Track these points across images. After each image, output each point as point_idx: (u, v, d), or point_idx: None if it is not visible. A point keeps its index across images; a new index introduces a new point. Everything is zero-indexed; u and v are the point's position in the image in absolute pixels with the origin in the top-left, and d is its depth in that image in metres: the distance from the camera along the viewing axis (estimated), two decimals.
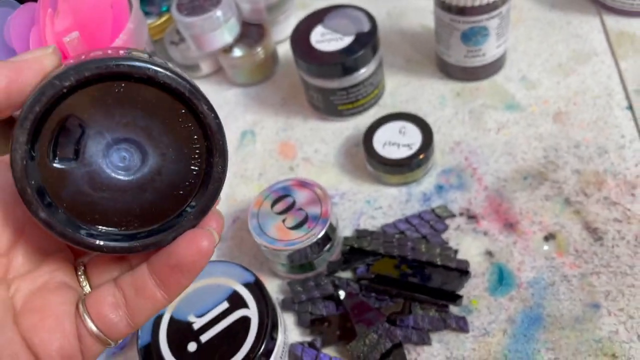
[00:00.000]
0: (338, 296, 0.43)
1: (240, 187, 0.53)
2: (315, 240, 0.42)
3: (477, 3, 0.47)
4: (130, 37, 0.44)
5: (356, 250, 0.45)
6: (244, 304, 0.39)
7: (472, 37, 0.50)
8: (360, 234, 0.47)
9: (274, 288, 0.46)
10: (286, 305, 0.44)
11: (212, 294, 0.39)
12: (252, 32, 0.60)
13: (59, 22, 0.41)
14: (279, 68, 0.62)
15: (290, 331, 0.43)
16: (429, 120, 0.53)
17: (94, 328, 0.24)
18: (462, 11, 0.48)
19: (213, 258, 0.48)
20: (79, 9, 0.41)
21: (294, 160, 0.54)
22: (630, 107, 0.49)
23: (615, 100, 0.50)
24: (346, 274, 0.45)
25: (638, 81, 0.51)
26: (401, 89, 0.56)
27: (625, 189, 0.45)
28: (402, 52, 0.59)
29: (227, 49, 0.58)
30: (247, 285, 0.39)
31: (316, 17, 0.53)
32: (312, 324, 0.43)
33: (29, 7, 0.43)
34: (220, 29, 0.56)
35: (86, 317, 0.24)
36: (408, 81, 0.57)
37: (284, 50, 0.63)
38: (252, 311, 0.38)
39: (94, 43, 0.43)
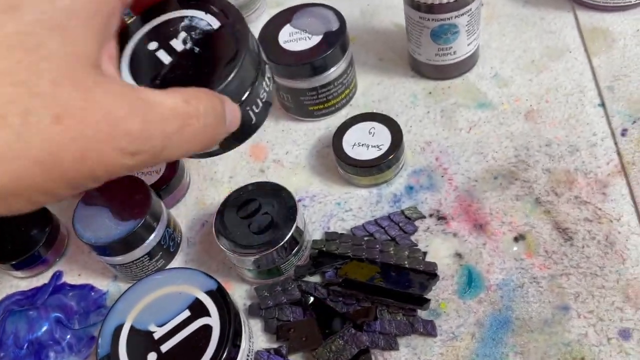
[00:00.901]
0: (305, 301, 0.42)
1: (210, 190, 0.52)
2: (281, 244, 0.41)
3: (445, 0, 0.46)
4: None
5: (325, 254, 0.45)
6: (206, 312, 0.38)
7: (441, 35, 0.49)
8: (329, 236, 0.46)
9: (242, 294, 0.45)
10: (253, 311, 0.43)
11: (174, 302, 0.38)
12: None
13: None
14: None
15: (257, 338, 0.42)
16: (401, 119, 0.52)
17: None
18: (430, 9, 0.48)
19: (178, 264, 0.47)
20: None
21: (265, 162, 0.53)
22: (603, 104, 0.49)
23: (588, 97, 0.50)
24: (315, 278, 0.44)
25: (610, 77, 0.50)
26: (373, 88, 0.55)
27: (596, 187, 0.44)
28: (374, 50, 0.59)
29: None
30: (209, 292, 0.39)
31: (284, 16, 0.52)
32: (278, 330, 0.42)
33: None
34: None
35: None
36: (380, 80, 0.56)
37: None
38: (213, 319, 0.37)
39: None
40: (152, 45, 0.34)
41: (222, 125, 0.25)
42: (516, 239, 0.43)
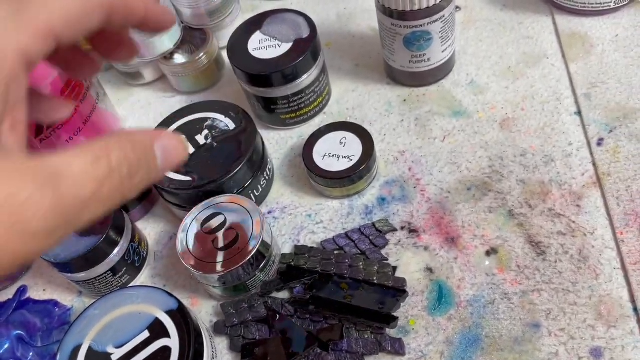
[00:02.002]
0: (271, 319, 0.41)
1: None
2: (246, 260, 0.40)
3: (416, 7, 0.45)
4: None
5: (293, 269, 0.43)
6: (166, 333, 0.37)
7: (414, 42, 0.48)
8: (299, 250, 0.45)
9: (209, 310, 0.44)
10: (218, 329, 0.42)
11: (133, 322, 0.37)
12: (194, 37, 0.58)
13: None
14: (224, 74, 0.60)
15: (222, 356, 0.41)
16: (375, 128, 0.51)
17: None
18: (402, 16, 0.46)
19: (144, 279, 0.46)
20: None
21: None
22: (579, 112, 0.48)
23: (564, 105, 0.49)
24: (283, 294, 0.43)
25: (588, 84, 0.49)
26: (348, 95, 0.54)
27: (571, 199, 0.43)
28: (351, 56, 0.57)
29: (168, 56, 0.56)
30: (169, 312, 0.37)
31: (254, 24, 0.51)
32: (244, 349, 0.41)
33: None
34: (159, 35, 0.54)
35: None
36: (355, 87, 0.55)
37: None
38: (173, 341, 0.36)
39: None
40: None
41: (147, 169, 0.23)
42: (488, 253, 0.42)
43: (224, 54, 0.60)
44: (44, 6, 0.22)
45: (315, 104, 0.52)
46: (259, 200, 0.48)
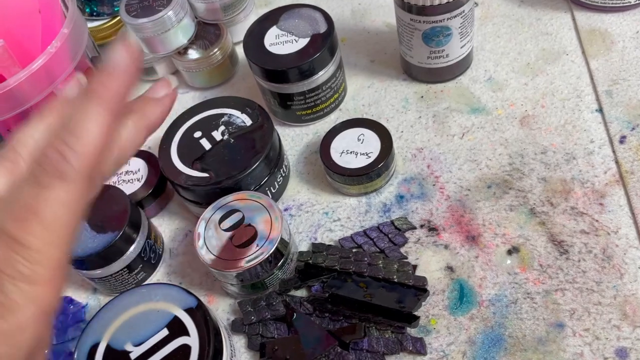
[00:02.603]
0: (290, 318, 0.41)
1: None
2: (265, 257, 0.40)
3: (436, 2, 0.44)
4: (65, 42, 0.41)
5: (311, 267, 0.43)
6: (185, 331, 0.36)
7: (433, 37, 0.47)
8: (316, 248, 0.44)
9: (225, 308, 0.44)
10: (236, 327, 0.42)
11: (151, 320, 0.37)
12: (208, 32, 0.57)
13: None
14: (238, 69, 0.59)
15: (240, 355, 0.41)
16: (391, 124, 0.50)
17: None
18: (422, 11, 0.46)
19: (160, 276, 0.46)
20: (2, 16, 0.38)
21: None
22: (600, 110, 0.47)
23: (585, 102, 0.48)
24: (301, 292, 0.43)
25: (609, 81, 0.48)
26: (364, 92, 0.54)
27: (593, 198, 0.43)
28: (366, 51, 0.57)
29: (182, 51, 0.56)
30: (188, 310, 0.37)
31: (271, 18, 0.50)
32: (262, 347, 0.40)
33: None
34: (173, 30, 0.53)
35: None
36: (371, 83, 0.54)
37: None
38: (192, 339, 0.36)
39: (22, 51, 0.40)
40: (197, 134, 0.46)
41: None
42: (510, 252, 0.41)
43: (238, 49, 0.59)
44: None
45: (332, 100, 0.51)
46: (275, 198, 0.47)
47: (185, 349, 0.36)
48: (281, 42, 0.48)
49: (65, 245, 0.22)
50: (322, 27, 0.48)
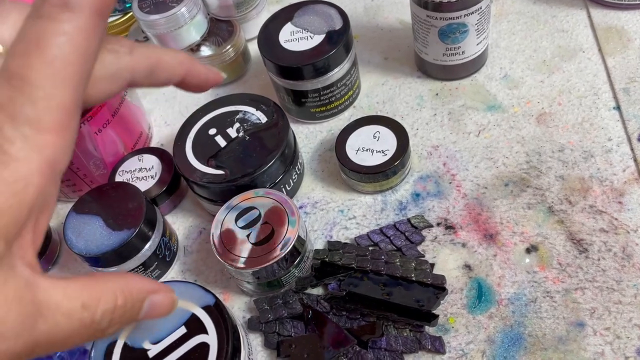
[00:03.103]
0: (307, 316, 0.40)
1: None
2: (282, 256, 0.39)
3: None
4: None
5: (327, 265, 0.43)
6: (203, 329, 0.36)
7: (450, 34, 0.47)
8: (332, 246, 0.44)
9: (241, 306, 0.43)
10: (252, 325, 0.41)
11: (169, 318, 0.36)
12: (221, 29, 0.57)
13: None
14: (250, 66, 0.59)
15: (257, 353, 0.41)
16: (406, 122, 0.50)
17: None
18: (438, 7, 0.45)
19: (174, 274, 0.45)
20: None
21: None
22: (618, 107, 0.47)
23: (602, 100, 0.47)
24: (317, 290, 0.43)
25: (626, 79, 0.48)
26: (377, 89, 0.53)
27: (612, 196, 0.42)
28: (379, 49, 0.56)
29: (194, 48, 0.55)
30: (206, 308, 0.37)
31: (285, 15, 0.50)
32: (279, 345, 0.40)
33: None
34: (186, 27, 0.53)
35: None
36: (385, 80, 0.54)
37: (256, 48, 0.59)
38: (211, 337, 0.35)
39: None
40: (212, 131, 0.46)
41: (128, 319, 0.24)
42: (528, 250, 0.41)
43: (250, 46, 0.59)
44: (54, 88, 0.20)
45: (346, 97, 0.51)
46: (290, 195, 0.47)
47: (203, 347, 0.35)
48: (296, 39, 0.48)
49: (73, 87, 0.20)
50: (338, 24, 0.48)
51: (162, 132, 0.56)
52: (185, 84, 0.27)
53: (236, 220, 0.41)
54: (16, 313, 0.19)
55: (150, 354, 0.35)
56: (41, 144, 0.19)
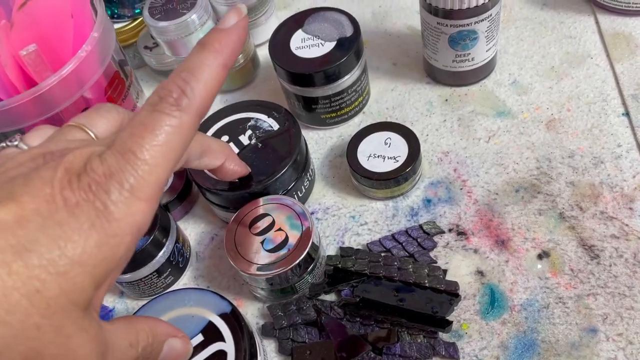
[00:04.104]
0: (321, 322, 0.41)
1: None
2: (296, 262, 0.40)
3: (464, 6, 0.44)
4: (95, 46, 0.41)
5: (340, 271, 0.43)
6: (220, 337, 0.36)
7: (460, 41, 0.47)
8: (345, 252, 0.44)
9: (254, 312, 0.44)
10: (266, 332, 0.42)
11: (186, 325, 0.37)
12: None
13: (15, 34, 0.38)
14: (259, 72, 0.59)
15: (271, 359, 0.41)
16: (416, 128, 0.50)
17: None
18: (449, 14, 0.46)
19: (187, 280, 0.46)
20: (36, 20, 0.38)
21: None
22: (627, 114, 0.47)
23: (611, 106, 0.48)
24: (330, 297, 0.43)
25: (635, 85, 0.48)
26: (387, 95, 0.54)
27: (623, 202, 0.43)
28: (388, 55, 0.57)
29: None
30: (223, 316, 0.37)
31: (296, 21, 0.50)
32: (294, 352, 0.40)
33: None
34: (196, 34, 0.53)
35: None
36: (394, 86, 0.54)
37: (265, 53, 0.60)
38: (228, 345, 0.36)
39: (54, 55, 0.40)
40: (224, 138, 0.46)
41: (151, 357, 0.28)
42: (540, 256, 0.42)
43: (259, 51, 0.59)
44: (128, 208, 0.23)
45: (356, 103, 0.51)
46: (302, 202, 0.47)
47: (221, 355, 0.36)
48: (307, 46, 0.48)
49: (169, 170, 0.23)
50: (349, 31, 0.48)
51: None
52: (221, 171, 0.37)
53: (250, 226, 0.42)
54: (96, 352, 0.23)
55: None
56: (136, 210, 0.22)
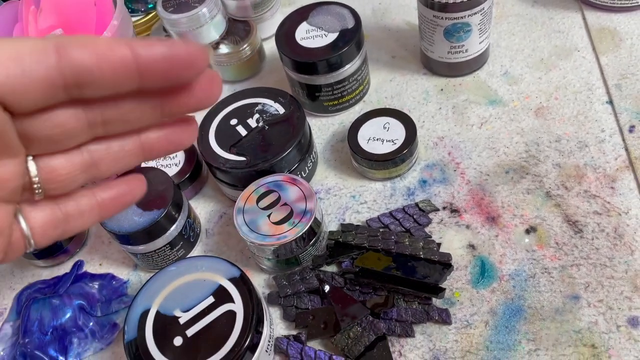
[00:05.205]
0: (323, 290, 0.44)
1: None
2: (300, 234, 0.43)
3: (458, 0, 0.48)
4: (114, 34, 0.45)
5: (341, 245, 0.46)
6: (230, 299, 0.39)
7: (454, 33, 0.51)
8: (345, 228, 0.47)
9: (260, 282, 0.47)
10: (272, 300, 0.45)
11: (198, 289, 0.40)
12: (238, 28, 0.60)
13: (42, 19, 0.41)
14: (265, 64, 0.62)
15: (276, 325, 0.44)
16: (413, 115, 0.53)
17: (26, 230, 0.25)
18: (444, 7, 0.49)
19: (197, 254, 0.49)
20: (62, 7, 0.42)
21: None
22: (611, 102, 0.50)
23: (596, 95, 0.51)
24: (331, 268, 0.46)
25: (618, 75, 0.52)
26: (386, 85, 0.57)
27: (605, 182, 0.46)
28: (386, 48, 0.60)
29: (214, 46, 0.59)
30: (232, 280, 0.40)
31: (301, 14, 0.54)
32: (297, 317, 0.43)
33: (12, 4, 0.44)
34: (207, 26, 0.56)
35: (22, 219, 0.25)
36: (392, 77, 0.57)
37: (270, 47, 0.63)
38: (237, 306, 0.39)
39: None
40: (233, 121, 0.49)
41: None
42: (527, 231, 0.45)
43: (265, 45, 0.63)
44: None
45: (357, 92, 0.54)
46: (306, 181, 0.50)
47: (230, 315, 0.38)
48: (312, 37, 0.52)
49: None
50: (350, 23, 0.52)
51: None
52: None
53: (257, 202, 0.45)
54: None
55: (181, 320, 0.39)
56: None
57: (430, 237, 0.46)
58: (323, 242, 0.46)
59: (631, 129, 0.48)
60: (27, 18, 0.40)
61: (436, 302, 0.42)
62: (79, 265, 0.50)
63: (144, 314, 0.39)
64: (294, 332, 0.43)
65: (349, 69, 0.52)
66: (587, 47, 0.55)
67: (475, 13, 0.49)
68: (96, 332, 0.46)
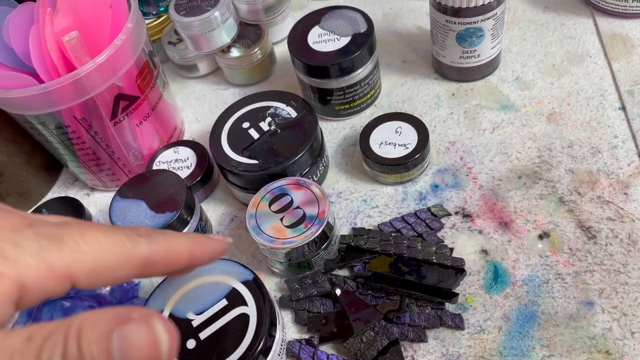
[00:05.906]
0: (335, 294, 0.43)
1: None
2: (312, 238, 0.43)
3: (472, 4, 0.48)
4: (129, 36, 0.45)
5: (353, 249, 0.46)
6: (243, 302, 0.39)
7: (467, 38, 0.51)
8: (357, 232, 0.47)
9: (272, 286, 0.46)
10: (284, 303, 0.45)
11: (211, 291, 0.40)
12: (249, 32, 0.60)
13: (58, 21, 0.41)
14: (276, 68, 0.62)
15: (288, 328, 0.44)
16: (425, 120, 0.53)
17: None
18: (457, 12, 0.49)
19: None
20: (78, 9, 0.42)
21: None
22: (623, 108, 0.50)
23: (608, 101, 0.51)
24: (343, 272, 0.46)
25: (630, 82, 0.52)
26: (397, 90, 0.57)
27: (618, 188, 0.46)
28: (398, 53, 0.60)
29: (225, 49, 0.59)
30: (246, 283, 0.40)
31: (313, 18, 0.54)
32: (310, 321, 0.43)
33: (28, 6, 0.44)
34: (218, 30, 0.57)
35: None
36: (404, 81, 0.57)
37: (281, 50, 0.63)
38: (250, 309, 0.39)
39: (93, 42, 0.44)
40: (245, 124, 0.49)
41: None
42: (541, 237, 0.44)
43: (276, 48, 0.63)
44: (74, 251, 0.23)
45: (368, 96, 0.54)
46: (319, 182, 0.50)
47: (244, 318, 0.38)
48: (324, 41, 0.52)
49: None
50: (362, 27, 0.52)
51: (193, 128, 0.59)
52: (191, 267, 0.32)
53: (269, 205, 0.45)
54: None
55: (194, 323, 0.39)
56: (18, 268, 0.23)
57: (443, 242, 0.46)
58: (335, 246, 0.46)
59: None
60: (44, 19, 0.40)
61: (449, 307, 0.42)
62: None
63: None
64: (306, 336, 0.43)
65: (360, 73, 0.52)
66: (599, 53, 0.55)
67: (488, 18, 0.49)
68: None
